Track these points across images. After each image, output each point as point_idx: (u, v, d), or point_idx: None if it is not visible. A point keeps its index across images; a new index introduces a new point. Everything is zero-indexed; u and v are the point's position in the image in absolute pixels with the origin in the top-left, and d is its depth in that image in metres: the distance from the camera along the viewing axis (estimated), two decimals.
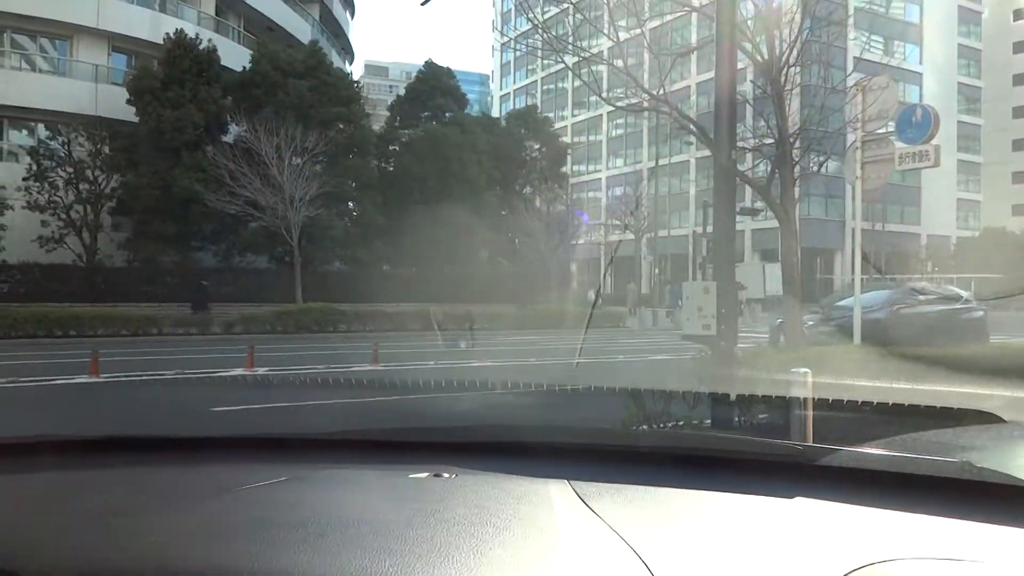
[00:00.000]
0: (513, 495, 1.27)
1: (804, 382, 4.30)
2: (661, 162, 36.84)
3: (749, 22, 7.44)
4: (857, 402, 4.65)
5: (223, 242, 27.79)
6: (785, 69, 6.79)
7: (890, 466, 1.29)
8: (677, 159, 53.70)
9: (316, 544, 1.05)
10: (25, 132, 28.82)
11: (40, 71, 29.48)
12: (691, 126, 7.18)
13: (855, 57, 11.37)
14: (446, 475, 1.37)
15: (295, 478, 1.40)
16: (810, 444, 1.64)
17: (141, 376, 11.36)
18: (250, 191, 23.27)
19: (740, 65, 6.84)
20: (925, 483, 1.23)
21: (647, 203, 46.21)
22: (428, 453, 1.54)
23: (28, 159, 25.58)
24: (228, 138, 27.75)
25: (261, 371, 11.82)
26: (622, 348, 17.62)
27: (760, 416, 6.80)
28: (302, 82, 27.51)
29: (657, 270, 32.90)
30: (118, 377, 11.04)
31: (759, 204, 43.50)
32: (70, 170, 25.67)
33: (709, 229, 35.54)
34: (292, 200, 23.55)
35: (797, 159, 7.06)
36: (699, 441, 1.82)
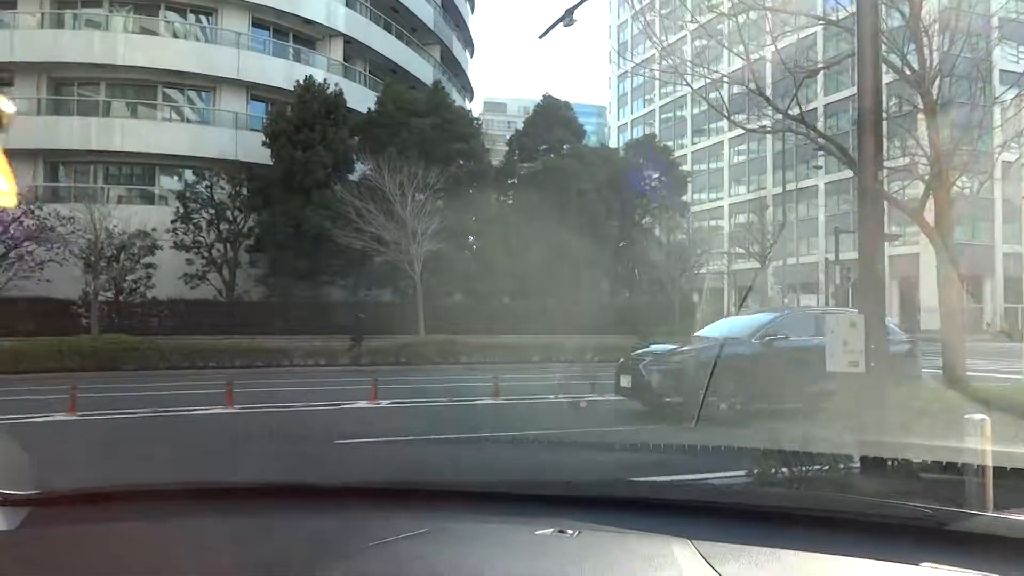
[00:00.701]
0: (638, 555, 1.26)
1: (981, 432, 3.73)
2: (788, 187, 35.33)
3: (892, 32, 6.86)
4: None
5: (350, 276, 28.77)
6: (938, 79, 6.18)
7: None
8: (804, 184, 51.62)
9: None
10: (175, 178, 31.03)
11: (187, 121, 31.79)
12: (831, 146, 6.66)
13: (1003, 70, 10.38)
14: (570, 532, 1.36)
15: (431, 531, 1.40)
16: (943, 508, 1.49)
17: (272, 408, 11.71)
18: (375, 227, 23.99)
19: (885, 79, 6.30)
20: None
21: (773, 230, 44.53)
22: (549, 506, 1.53)
23: (176, 203, 27.51)
24: (354, 177, 28.83)
25: (384, 403, 11.94)
26: None
27: (919, 471, 6.14)
28: (424, 120, 28.30)
29: (786, 299, 31.39)
30: (250, 408, 11.42)
31: (895, 229, 40.95)
32: (212, 211, 27.40)
33: (842, 256, 33.71)
34: (415, 234, 24.10)
35: (955, 178, 6.40)
36: (823, 502, 1.76)
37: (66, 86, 30.93)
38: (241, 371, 20.09)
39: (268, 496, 1.70)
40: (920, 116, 6.94)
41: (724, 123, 67.78)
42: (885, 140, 8.28)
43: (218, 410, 11.16)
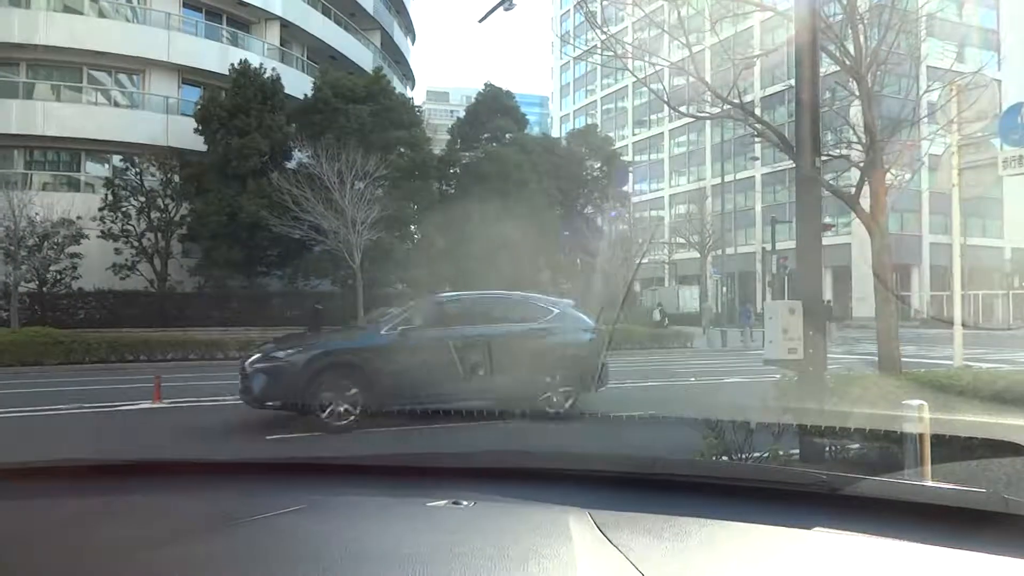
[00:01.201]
0: (531, 525, 1.26)
1: (919, 417, 3.72)
2: (727, 178, 35.86)
3: (829, 21, 6.89)
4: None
5: (288, 266, 28.12)
6: (873, 67, 6.22)
7: (914, 495, 1.25)
8: (742, 175, 52.60)
9: None
10: (103, 164, 29.78)
11: (115, 104, 30.52)
12: (769, 132, 6.65)
13: (930, 67, 10.62)
14: (464, 503, 1.34)
15: (310, 506, 1.37)
16: (835, 473, 1.50)
17: (203, 402, 11.29)
18: (313, 215, 23.45)
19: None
20: (951, 514, 1.18)
21: (711, 220, 45.26)
22: (446, 479, 1.52)
23: (104, 190, 26.40)
24: (292, 164, 28.15)
25: None
26: (693, 370, 16.93)
27: (853, 449, 6.20)
28: (363, 107, 27.74)
29: (725, 288, 31.95)
30: (179, 403, 10.99)
31: (828, 219, 42.05)
32: (142, 199, 26.39)
33: (779, 245, 34.45)
34: (354, 223, 23.63)
35: (888, 166, 6.45)
36: (719, 469, 1.71)
37: None
38: (173, 364, 19.43)
39: (142, 473, 1.65)
40: (854, 106, 7.00)
41: (665, 114, 68.63)
42: (821, 130, 8.38)
43: (145, 405, 10.70)
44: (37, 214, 23.41)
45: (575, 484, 1.45)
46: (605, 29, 9.65)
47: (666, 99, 7.01)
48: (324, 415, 8.39)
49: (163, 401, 10.77)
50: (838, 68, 6.67)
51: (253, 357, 9.12)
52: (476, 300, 10.84)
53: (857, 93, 6.24)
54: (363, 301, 24.13)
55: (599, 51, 10.58)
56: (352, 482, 1.56)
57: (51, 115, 28.42)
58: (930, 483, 1.30)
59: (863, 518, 1.20)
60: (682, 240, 48.10)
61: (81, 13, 29.75)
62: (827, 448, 6.06)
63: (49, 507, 1.46)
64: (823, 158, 6.27)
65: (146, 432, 8.99)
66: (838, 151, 6.98)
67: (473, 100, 36.33)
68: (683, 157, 66.97)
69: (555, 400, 9.40)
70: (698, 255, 45.81)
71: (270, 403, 8.57)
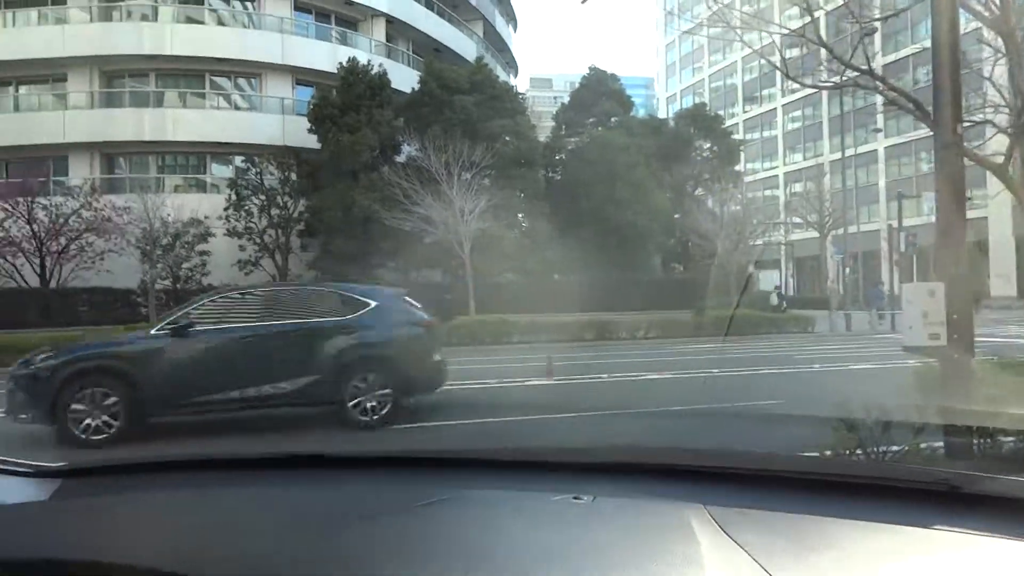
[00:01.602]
0: (652, 521, 1.28)
1: None
2: (847, 152, 33.99)
3: None
4: None
5: (400, 258, 28.75)
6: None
7: None
8: (864, 149, 49.80)
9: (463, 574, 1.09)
10: (227, 166, 31.35)
11: (235, 108, 32.04)
12: (902, 99, 6.11)
13: None
14: (584, 498, 1.36)
15: (444, 501, 1.41)
16: (958, 471, 1.44)
17: None
18: (423, 207, 23.84)
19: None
20: None
21: (831, 198, 43.04)
22: (563, 474, 1.54)
23: (227, 190, 27.79)
24: (401, 158, 28.71)
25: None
26: (817, 355, 16.09)
27: (1007, 444, 5.63)
28: (468, 98, 27.95)
29: (848, 269, 30.32)
30: None
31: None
32: (263, 197, 27.61)
33: (906, 222, 32.38)
34: (462, 214, 23.86)
35: None
36: (836, 466, 1.68)
37: (117, 78, 31.43)
38: None
39: (285, 466, 1.71)
40: (1000, 65, 6.33)
41: (776, 90, 65.91)
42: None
43: None
44: (169, 215, 24.90)
45: (691, 480, 1.45)
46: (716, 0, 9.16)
47: (785, 70, 6.53)
48: (79, 429, 7.38)
49: None
50: (977, 25, 6.04)
51: (16, 366, 8.06)
52: (272, 294, 9.68)
53: (1004, 51, 5.61)
54: (474, 291, 24.34)
55: (708, 24, 10.10)
56: (479, 476, 1.59)
57: (178, 121, 30.14)
58: None
59: (988, 517, 1.18)
60: (799, 220, 46.10)
61: (202, 23, 31.33)
62: (976, 443, 5.55)
63: (183, 498, 1.52)
64: (964, 124, 5.70)
65: None
66: (981, 115, 6.34)
67: (577, 86, 35.97)
68: (798, 133, 63.98)
69: (369, 406, 8.15)
70: (817, 235, 43.76)
71: (23, 416, 7.58)
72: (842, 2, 6.87)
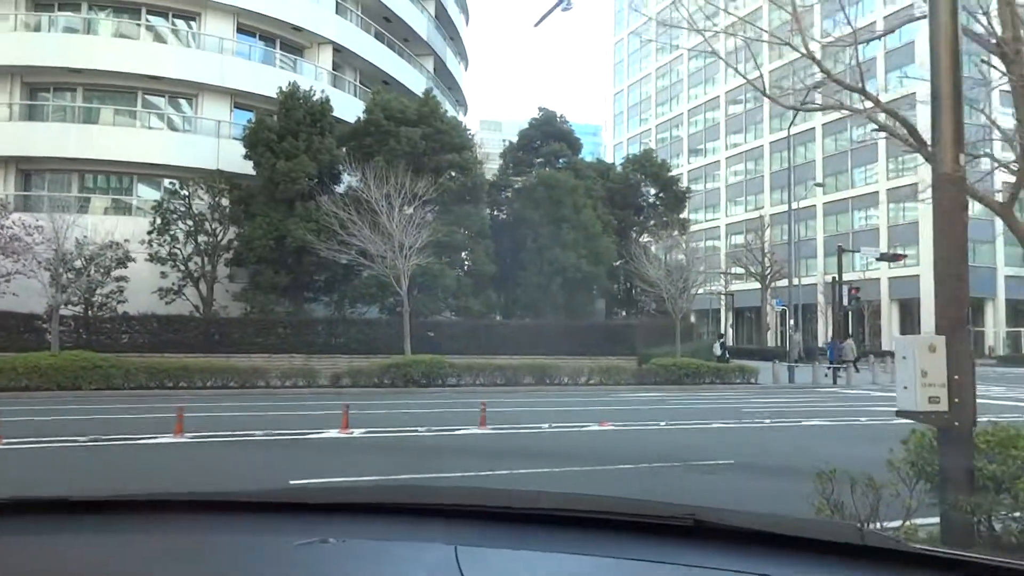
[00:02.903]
0: (397, 561, 1.26)
1: None
2: (785, 207, 34.28)
3: None
4: None
5: (335, 292, 27.45)
6: None
7: None
8: (805, 203, 50.77)
9: None
10: (156, 188, 29.67)
11: (168, 128, 30.51)
12: (897, 126, 5.38)
13: None
14: (332, 541, 1.31)
15: (185, 545, 1.35)
16: (706, 507, 1.39)
17: (228, 436, 10.33)
18: (360, 239, 22.70)
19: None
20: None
21: (773, 250, 43.40)
22: (316, 516, 1.48)
23: (152, 213, 26.14)
24: (341, 188, 27.60)
25: (357, 432, 10.57)
26: (764, 409, 15.41)
27: (1015, 529, 4.84)
28: (414, 130, 27.09)
29: (793, 320, 30.15)
30: (204, 437, 10.05)
31: (899, 249, 39.70)
32: (190, 223, 26.06)
33: (848, 276, 32.57)
34: (402, 248, 22.79)
35: None
36: (594, 504, 1.54)
37: (41, 91, 29.65)
38: (211, 392, 18.76)
39: (161, 509, 1.59)
40: (995, 94, 5.67)
41: (720, 142, 67.34)
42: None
43: (167, 439, 9.79)
44: (84, 237, 23.18)
45: (443, 520, 1.41)
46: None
47: (764, 89, 5.77)
48: None
49: (184, 435, 9.85)
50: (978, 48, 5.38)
51: None
52: None
53: (1009, 78, 4.94)
54: (410, 329, 23.18)
55: (659, 24, 9.34)
56: (213, 521, 1.48)
57: (105, 138, 28.46)
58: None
59: (725, 550, 1.23)
60: (740, 269, 46.37)
61: (136, 39, 29.92)
62: (977, 524, 4.75)
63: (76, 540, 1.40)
64: (966, 157, 4.98)
65: (157, 468, 8.02)
66: (982, 150, 5.67)
67: (526, 126, 35.54)
68: (739, 185, 65.30)
69: None
70: (758, 286, 44.00)
71: None
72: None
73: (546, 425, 11.96)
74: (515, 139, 36.16)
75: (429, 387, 20.39)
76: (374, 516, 1.47)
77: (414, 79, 38.10)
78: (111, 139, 28.52)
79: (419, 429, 11.13)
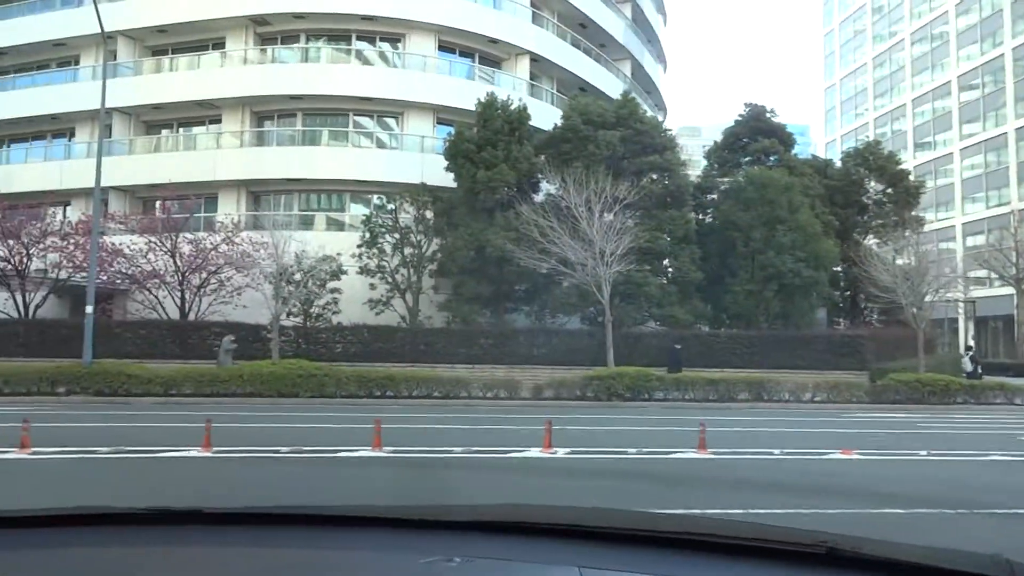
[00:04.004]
0: None
1: None
2: None
3: None
4: None
5: (535, 302, 27.00)
6: None
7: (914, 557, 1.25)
8: None
9: None
10: (365, 204, 31.01)
11: (377, 147, 31.82)
12: None
13: None
14: (456, 560, 1.30)
15: (306, 561, 1.37)
16: (845, 535, 1.30)
17: (425, 453, 9.77)
18: (560, 247, 21.98)
19: None
20: None
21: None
22: (439, 534, 1.47)
23: (362, 226, 27.19)
24: (539, 197, 27.19)
25: (560, 452, 9.62)
26: None
27: None
28: (613, 132, 26.07)
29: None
30: (401, 452, 9.55)
31: None
32: (396, 236, 26.78)
33: None
34: (603, 255, 21.78)
35: None
36: (719, 527, 1.48)
37: (267, 119, 32.07)
38: (415, 402, 18.78)
39: (162, 522, 1.53)
40: None
41: (953, 132, 60.02)
42: None
43: (363, 452, 9.40)
44: (303, 251, 24.46)
45: (566, 540, 1.40)
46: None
47: None
48: None
49: (383, 449, 9.41)
50: None
51: None
52: None
53: None
54: (612, 340, 22.08)
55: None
56: (345, 535, 1.47)
57: (321, 159, 30.19)
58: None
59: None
60: (983, 273, 40.63)
61: (348, 63, 31.50)
62: None
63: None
64: None
65: (351, 485, 7.51)
66: None
67: (731, 124, 33.31)
68: (978, 180, 57.75)
69: None
70: (1006, 291, 38.27)
71: None
72: None
73: (776, 451, 10.34)
74: (718, 139, 34.03)
75: (634, 401, 19.15)
76: (502, 535, 1.43)
77: (611, 84, 37.15)
78: (327, 159, 30.22)
79: (629, 450, 9.97)
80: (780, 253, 26.00)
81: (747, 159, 31.16)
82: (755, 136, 31.15)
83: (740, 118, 32.38)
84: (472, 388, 20.01)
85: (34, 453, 9.06)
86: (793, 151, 32.87)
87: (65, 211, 32.01)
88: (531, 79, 33.83)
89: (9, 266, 25.64)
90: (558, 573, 1.25)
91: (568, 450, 9.78)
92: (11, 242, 25.35)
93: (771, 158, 30.57)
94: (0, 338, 24.94)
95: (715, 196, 30.05)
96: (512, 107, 26.70)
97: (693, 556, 1.31)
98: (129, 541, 1.48)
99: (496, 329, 26.08)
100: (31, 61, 34.38)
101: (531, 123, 27.45)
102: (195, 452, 9.19)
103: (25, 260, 25.68)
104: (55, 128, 34.05)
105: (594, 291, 22.50)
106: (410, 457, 9.33)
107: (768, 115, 31.82)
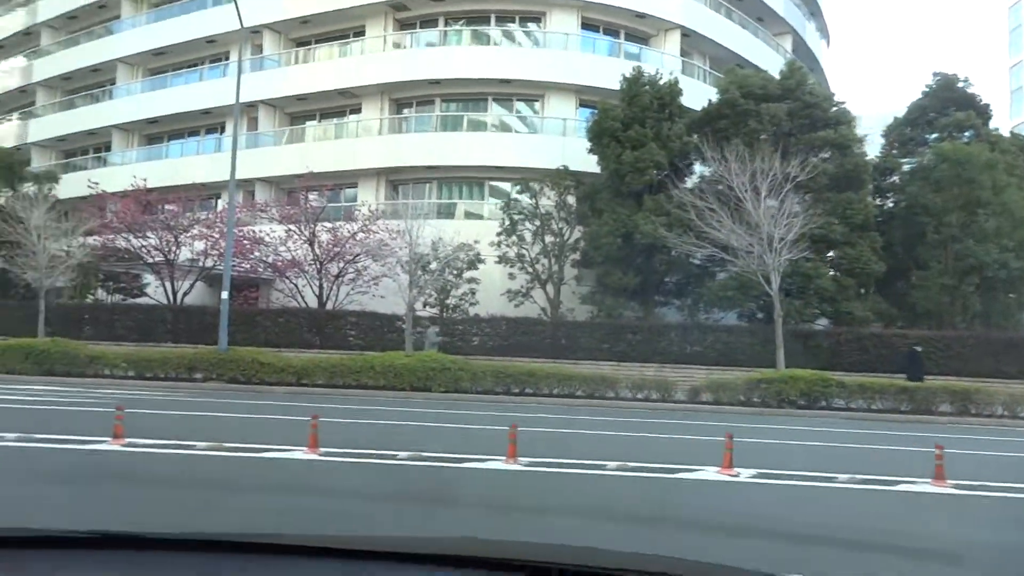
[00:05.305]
0: None
1: None
2: None
3: None
4: None
5: (687, 295, 24.50)
6: None
7: None
8: None
9: None
10: (504, 190, 29.61)
11: (516, 131, 30.32)
12: None
13: None
14: None
15: None
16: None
17: (569, 467, 7.85)
18: (721, 232, 19.48)
19: None
20: None
21: None
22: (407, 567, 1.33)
23: (501, 214, 25.71)
24: (692, 179, 24.67)
25: (744, 474, 7.45)
26: None
27: None
28: (778, 105, 23.13)
29: None
30: (539, 465, 7.70)
31: None
32: (537, 223, 25.12)
33: None
34: (771, 242, 19.09)
35: None
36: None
37: (405, 105, 31.35)
38: (557, 402, 16.95)
39: (108, 546, 1.41)
40: None
41: None
42: None
43: (494, 463, 7.64)
44: (439, 239, 23.29)
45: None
46: None
47: None
48: None
49: (517, 461, 7.60)
50: None
51: None
52: None
53: None
54: (782, 338, 19.35)
55: None
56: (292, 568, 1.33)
57: (459, 145, 29.03)
58: None
59: None
60: None
61: (487, 44, 30.17)
62: None
63: None
64: None
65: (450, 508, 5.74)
66: None
67: (892, 121, 29.26)
68: None
69: None
70: None
71: None
72: None
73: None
74: (885, 125, 30.03)
75: (810, 409, 16.41)
76: (462, 569, 1.29)
77: (770, 59, 33.79)
78: (465, 146, 29.02)
79: (839, 476, 7.61)
80: (982, 241, 22.20)
81: (934, 136, 27.14)
82: (946, 108, 27.08)
83: (929, 90, 28.29)
84: (619, 388, 17.94)
85: (127, 445, 7.97)
86: (991, 126, 28.41)
87: (216, 203, 32.68)
88: (681, 56, 31.22)
89: (159, 254, 26.19)
90: None
91: (755, 471, 7.57)
92: (161, 232, 25.87)
93: (966, 133, 26.44)
94: (149, 324, 25.52)
95: (896, 178, 26.31)
96: (661, 81, 24.33)
97: None
98: (63, 565, 1.35)
99: (644, 324, 23.81)
100: (186, 60, 35.50)
101: (682, 102, 24.96)
102: (299, 453, 7.78)
103: (174, 248, 26.13)
104: (208, 123, 34.97)
105: (758, 282, 19.83)
106: (549, 472, 7.45)
107: (961, 84, 27.60)
